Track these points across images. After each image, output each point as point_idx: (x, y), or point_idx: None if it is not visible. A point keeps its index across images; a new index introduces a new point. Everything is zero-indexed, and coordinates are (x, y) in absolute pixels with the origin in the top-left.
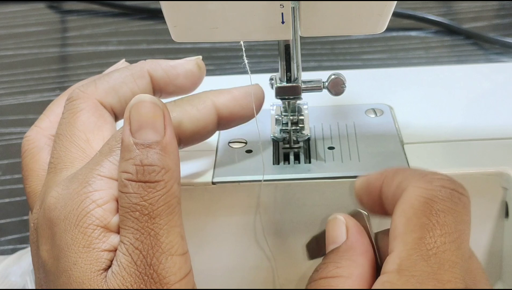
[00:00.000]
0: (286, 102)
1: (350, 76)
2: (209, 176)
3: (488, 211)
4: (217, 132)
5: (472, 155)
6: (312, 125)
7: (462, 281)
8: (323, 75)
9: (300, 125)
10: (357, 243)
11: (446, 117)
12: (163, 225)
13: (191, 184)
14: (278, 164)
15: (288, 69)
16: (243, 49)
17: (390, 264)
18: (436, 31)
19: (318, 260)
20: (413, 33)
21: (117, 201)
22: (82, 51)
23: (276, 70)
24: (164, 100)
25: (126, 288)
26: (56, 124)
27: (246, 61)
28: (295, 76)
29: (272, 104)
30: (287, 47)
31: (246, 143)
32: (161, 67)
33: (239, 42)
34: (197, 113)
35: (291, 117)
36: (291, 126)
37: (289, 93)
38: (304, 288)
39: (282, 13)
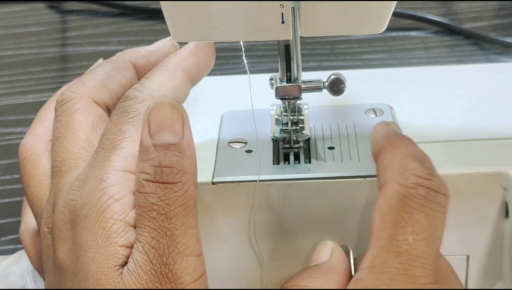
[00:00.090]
0: (286, 102)
1: (350, 76)
2: (209, 176)
3: (488, 211)
4: (217, 132)
5: (472, 155)
6: (312, 125)
7: (432, 276)
8: (323, 75)
9: (300, 125)
10: (338, 264)
11: (446, 117)
12: (179, 225)
13: None
14: (278, 164)
15: (288, 69)
16: (243, 49)
17: (363, 261)
18: (436, 31)
19: None
20: (413, 33)
21: (133, 194)
22: (82, 51)
23: (276, 70)
24: None
25: (142, 287)
26: (50, 129)
27: (245, 61)
28: (295, 76)
29: (272, 104)
30: (287, 47)
31: (246, 143)
32: (142, 54)
33: (239, 42)
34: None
35: (291, 117)
36: (291, 126)
37: (289, 93)
38: None
39: (282, 13)
